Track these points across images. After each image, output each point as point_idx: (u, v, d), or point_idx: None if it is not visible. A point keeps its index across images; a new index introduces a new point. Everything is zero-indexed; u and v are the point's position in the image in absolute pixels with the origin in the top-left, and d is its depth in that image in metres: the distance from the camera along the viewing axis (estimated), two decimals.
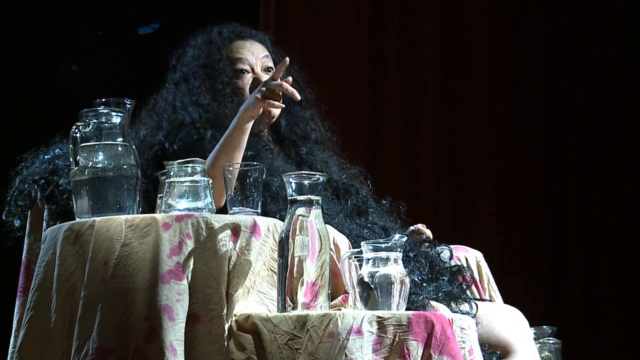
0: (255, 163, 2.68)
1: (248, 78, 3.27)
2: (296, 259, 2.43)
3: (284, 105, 3.08)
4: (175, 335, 2.39)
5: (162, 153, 3.13)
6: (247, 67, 3.28)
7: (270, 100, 3.02)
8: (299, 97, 3.05)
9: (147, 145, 3.20)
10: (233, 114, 3.11)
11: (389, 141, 5.28)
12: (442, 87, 5.35)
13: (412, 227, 3.25)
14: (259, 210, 2.62)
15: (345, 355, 2.32)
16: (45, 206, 3.01)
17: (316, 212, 2.46)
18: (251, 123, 3.04)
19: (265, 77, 3.23)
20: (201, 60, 3.27)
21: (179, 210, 2.54)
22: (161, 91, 3.33)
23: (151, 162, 3.12)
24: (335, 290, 2.63)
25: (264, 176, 2.66)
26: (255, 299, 2.50)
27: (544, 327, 3.43)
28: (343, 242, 2.80)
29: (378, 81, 5.32)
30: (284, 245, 2.44)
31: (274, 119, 3.27)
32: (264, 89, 3.02)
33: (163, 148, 3.16)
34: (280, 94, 3.03)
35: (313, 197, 2.46)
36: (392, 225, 3.14)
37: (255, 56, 3.29)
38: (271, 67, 3.28)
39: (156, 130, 3.22)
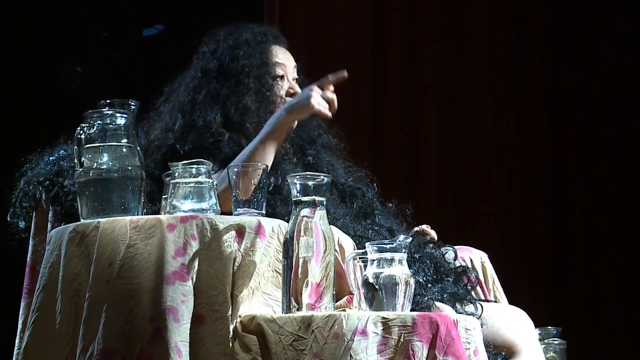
0: (259, 164, 2.67)
1: (285, 85, 3.28)
2: (301, 260, 2.43)
3: (330, 116, 3.08)
4: (180, 336, 2.39)
5: (172, 155, 3.12)
6: (284, 73, 3.29)
7: (323, 109, 3.03)
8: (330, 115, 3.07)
9: (157, 146, 3.19)
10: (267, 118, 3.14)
11: (390, 140, 5.28)
12: (444, 85, 5.35)
13: (416, 228, 3.25)
14: (264, 212, 2.62)
15: (350, 356, 2.32)
16: (50, 207, 3.00)
17: (321, 213, 2.46)
18: (294, 125, 3.07)
19: (296, 86, 3.27)
20: (254, 58, 3.26)
21: (183, 211, 2.54)
22: (184, 76, 3.31)
23: (159, 164, 3.12)
24: (340, 291, 2.63)
25: (271, 178, 2.64)
26: (260, 300, 2.50)
27: (549, 327, 3.43)
28: (348, 243, 2.80)
29: (380, 77, 5.32)
30: (288, 246, 2.44)
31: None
32: (316, 95, 3.04)
33: (174, 150, 3.15)
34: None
35: (317, 198, 2.46)
36: (398, 227, 3.14)
37: (290, 65, 3.31)
38: (296, 79, 3.31)
39: (168, 132, 3.21)
